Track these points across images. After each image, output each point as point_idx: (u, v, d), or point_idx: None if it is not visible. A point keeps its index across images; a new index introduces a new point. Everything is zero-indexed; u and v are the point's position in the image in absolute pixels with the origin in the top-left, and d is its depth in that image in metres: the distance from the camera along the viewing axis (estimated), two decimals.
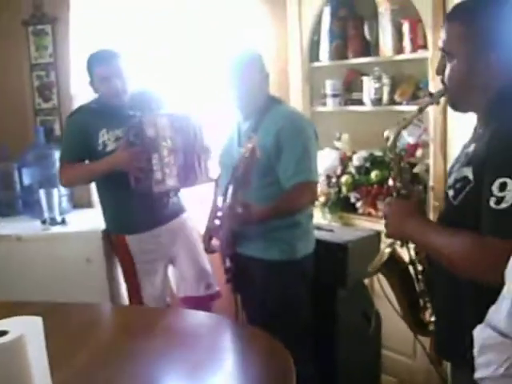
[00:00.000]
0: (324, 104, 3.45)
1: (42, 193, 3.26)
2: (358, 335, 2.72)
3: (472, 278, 1.34)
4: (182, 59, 3.69)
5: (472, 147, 1.45)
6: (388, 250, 1.75)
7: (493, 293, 1.23)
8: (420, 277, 1.72)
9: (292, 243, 2.49)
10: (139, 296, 2.89)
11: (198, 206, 3.13)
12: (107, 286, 3.09)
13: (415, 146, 3.00)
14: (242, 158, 2.22)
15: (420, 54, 2.90)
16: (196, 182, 2.79)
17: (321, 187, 3.18)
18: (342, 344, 2.70)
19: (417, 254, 1.70)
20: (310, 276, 2.56)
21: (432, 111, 2.78)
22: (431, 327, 1.68)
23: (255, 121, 2.48)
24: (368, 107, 3.24)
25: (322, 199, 3.30)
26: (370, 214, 3.19)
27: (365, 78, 3.25)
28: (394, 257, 1.75)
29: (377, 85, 3.16)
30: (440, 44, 1.51)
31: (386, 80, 3.13)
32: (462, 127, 1.58)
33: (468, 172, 1.41)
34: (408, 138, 3.02)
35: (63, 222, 3.29)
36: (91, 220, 3.28)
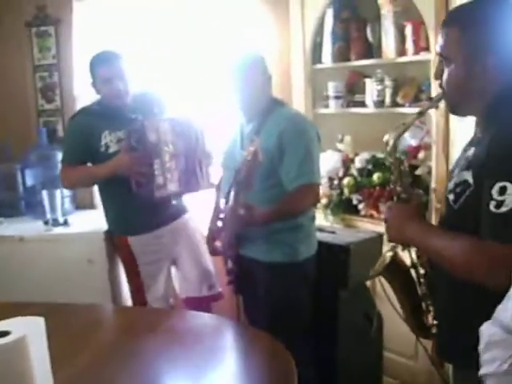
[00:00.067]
0: (326, 106, 3.45)
1: (44, 194, 3.27)
2: (360, 337, 2.71)
3: (473, 281, 1.34)
4: (184, 61, 3.70)
5: (471, 151, 1.46)
6: (390, 254, 1.75)
7: (494, 295, 1.23)
8: (422, 280, 1.72)
9: (294, 246, 2.49)
10: (143, 297, 2.89)
11: (200, 208, 3.13)
12: (109, 286, 3.09)
13: (417, 148, 3.01)
14: (244, 161, 2.22)
15: (422, 56, 2.90)
16: (197, 187, 2.78)
17: (323, 189, 3.18)
18: (343, 345, 2.70)
19: (418, 257, 1.70)
20: (311, 278, 2.56)
21: (434, 113, 2.78)
22: (434, 330, 1.68)
23: (258, 123, 2.48)
24: (370, 109, 3.24)
25: (324, 201, 3.30)
26: (372, 216, 3.19)
27: (367, 80, 3.25)
28: (395, 260, 1.75)
29: (379, 87, 3.16)
30: (437, 49, 1.52)
31: (388, 82, 3.13)
32: (464, 129, 1.58)
33: (468, 176, 1.41)
34: (410, 140, 3.02)
35: (65, 223, 3.29)
36: (93, 221, 3.29)
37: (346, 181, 3.29)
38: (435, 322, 1.66)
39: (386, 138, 1.68)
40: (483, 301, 1.32)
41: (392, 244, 1.69)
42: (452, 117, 2.71)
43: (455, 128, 2.71)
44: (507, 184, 1.27)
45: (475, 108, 1.49)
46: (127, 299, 3.12)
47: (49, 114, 3.82)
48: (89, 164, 2.87)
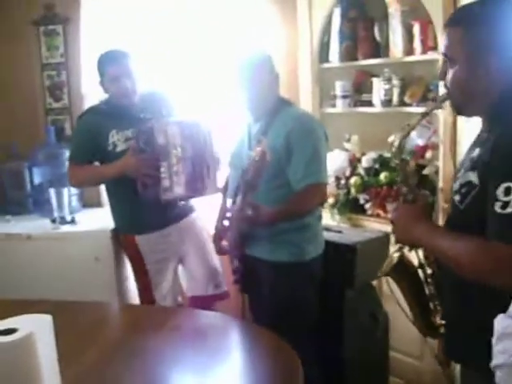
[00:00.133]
0: (334, 105, 3.45)
1: (52, 192, 3.28)
2: (366, 336, 2.72)
3: (479, 282, 1.34)
4: (192, 60, 3.70)
5: (476, 151, 1.45)
6: (397, 254, 1.75)
7: (500, 296, 1.23)
8: (429, 280, 1.72)
9: (301, 246, 2.49)
10: (150, 295, 2.90)
11: (207, 207, 3.13)
12: (115, 284, 3.10)
13: (424, 148, 3.00)
14: (252, 162, 2.22)
15: (430, 55, 2.89)
16: (203, 191, 2.77)
17: (330, 188, 3.17)
18: (349, 345, 2.70)
19: (426, 257, 1.70)
20: (318, 278, 2.56)
21: (441, 113, 2.78)
22: (442, 330, 1.68)
23: (265, 123, 2.48)
24: (378, 108, 3.23)
25: (330, 200, 3.30)
26: (378, 216, 3.18)
27: (375, 80, 3.24)
28: (403, 261, 1.75)
29: (387, 86, 3.16)
30: (441, 49, 1.51)
31: (395, 81, 3.12)
32: (472, 129, 1.58)
33: (473, 177, 1.41)
34: (417, 139, 3.02)
35: (73, 221, 3.30)
36: (100, 219, 3.30)
37: (352, 180, 3.29)
38: (443, 322, 1.66)
39: (391, 138, 1.68)
40: (489, 301, 1.33)
41: (399, 245, 1.70)
42: (459, 116, 2.70)
43: (462, 128, 2.70)
44: None
45: (479, 108, 1.49)
46: (134, 297, 3.13)
47: (57, 113, 3.83)
48: (96, 163, 2.88)
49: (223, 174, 2.80)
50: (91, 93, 3.60)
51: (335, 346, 2.70)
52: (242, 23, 3.59)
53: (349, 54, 3.34)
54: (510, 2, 1.43)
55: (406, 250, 1.72)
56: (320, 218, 2.61)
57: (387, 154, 3.17)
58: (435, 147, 2.96)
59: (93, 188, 3.53)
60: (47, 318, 1.53)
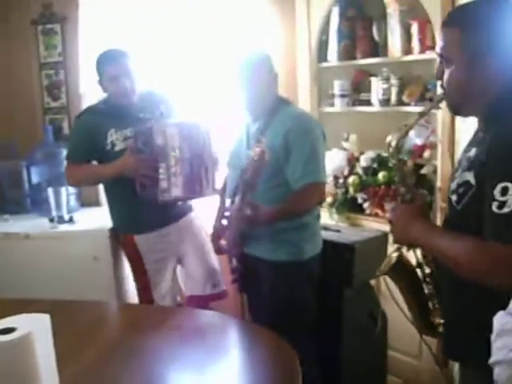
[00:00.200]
0: (332, 104, 3.45)
1: (50, 191, 3.28)
2: (364, 335, 2.72)
3: (476, 282, 1.34)
4: (190, 60, 3.70)
5: (473, 151, 1.46)
6: (395, 254, 1.76)
7: (497, 295, 1.23)
8: (428, 279, 1.72)
9: (300, 245, 2.49)
10: (149, 295, 2.90)
11: (206, 206, 3.13)
12: (114, 284, 3.11)
13: (423, 147, 3.00)
14: (251, 161, 2.21)
15: (428, 54, 2.89)
16: (201, 193, 2.76)
17: (328, 188, 3.17)
18: (347, 344, 2.70)
19: (424, 257, 1.70)
20: (316, 277, 2.56)
21: (440, 112, 2.78)
22: (441, 329, 1.68)
23: (264, 122, 2.48)
24: (376, 108, 3.24)
25: (329, 200, 3.30)
26: (377, 215, 3.19)
27: (373, 79, 3.24)
28: (401, 260, 1.75)
29: (385, 85, 3.16)
30: (437, 49, 1.51)
31: (394, 81, 3.13)
32: (470, 129, 1.58)
33: (470, 177, 1.41)
34: (415, 139, 3.02)
35: (71, 220, 3.30)
36: (99, 218, 3.30)
37: (351, 179, 3.29)
38: (442, 321, 1.66)
39: (388, 139, 1.68)
40: (487, 300, 1.33)
41: (397, 244, 1.70)
42: (457, 116, 2.71)
43: (460, 127, 2.70)
44: (509, 184, 1.27)
45: (476, 109, 1.49)
46: (132, 296, 3.13)
47: (55, 112, 3.83)
48: (94, 162, 2.88)
49: (222, 174, 2.80)
50: (89, 92, 3.61)
51: (333, 345, 2.70)
52: (240, 23, 3.59)
53: (347, 54, 3.34)
54: (507, 3, 1.43)
55: (404, 249, 1.72)
56: (318, 217, 2.62)
57: (385, 154, 3.17)
58: (433, 146, 2.96)
59: (91, 187, 3.53)
60: (45, 318, 1.53)
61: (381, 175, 3.15)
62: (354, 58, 3.33)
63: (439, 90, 1.55)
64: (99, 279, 3.06)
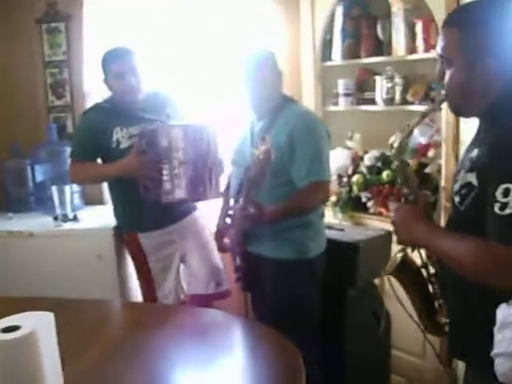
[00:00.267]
0: (336, 103, 3.45)
1: (54, 189, 3.28)
2: (368, 335, 2.71)
3: (480, 283, 1.34)
4: (195, 59, 3.70)
5: (475, 152, 1.45)
6: (400, 254, 1.76)
7: (500, 296, 1.23)
8: (433, 279, 1.72)
9: (304, 243, 2.49)
10: (153, 293, 2.90)
11: (209, 205, 3.13)
12: (117, 282, 3.11)
13: (427, 146, 3.00)
14: (256, 160, 2.21)
15: (433, 53, 2.88)
16: (204, 196, 2.75)
17: (332, 186, 3.17)
18: (351, 344, 2.70)
19: (428, 257, 1.71)
20: (319, 276, 2.56)
21: (444, 112, 2.77)
22: (447, 328, 1.68)
23: (269, 120, 2.48)
24: (380, 107, 3.23)
25: (333, 198, 3.30)
26: (380, 214, 3.19)
27: (377, 78, 3.24)
28: (406, 261, 1.75)
29: (389, 84, 3.16)
30: (438, 50, 1.51)
31: (398, 80, 3.12)
32: (474, 128, 1.57)
33: (472, 178, 1.41)
34: (420, 137, 3.02)
35: (75, 218, 3.30)
36: (103, 217, 3.30)
37: (355, 178, 3.29)
38: (448, 321, 1.66)
39: (391, 140, 1.68)
40: (489, 301, 1.33)
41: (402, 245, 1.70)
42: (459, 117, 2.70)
43: (465, 126, 2.70)
44: (511, 186, 1.27)
45: (477, 109, 1.49)
46: (136, 295, 3.14)
47: (59, 111, 3.83)
48: (98, 160, 2.88)
49: (226, 173, 2.79)
50: (93, 90, 3.61)
51: (337, 344, 2.70)
52: (245, 22, 3.59)
53: (351, 52, 3.34)
54: (507, 4, 1.43)
55: (409, 250, 1.72)
56: (322, 215, 2.62)
57: (389, 153, 3.17)
58: (437, 145, 2.96)
59: (95, 186, 3.54)
60: (49, 316, 1.53)
61: (385, 174, 3.15)
62: (359, 57, 3.33)
63: (442, 90, 1.55)
64: (103, 278, 3.06)
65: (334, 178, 3.27)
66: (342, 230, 2.85)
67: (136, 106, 2.80)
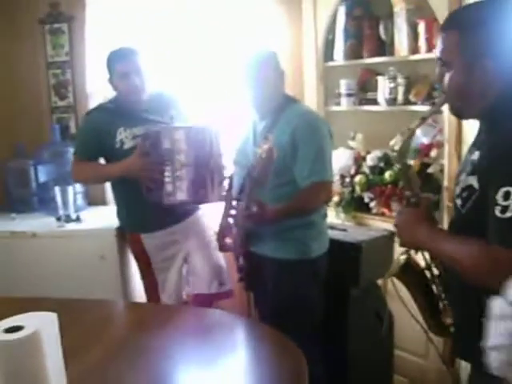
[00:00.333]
0: (338, 103, 3.44)
1: (57, 190, 3.28)
2: (371, 335, 2.71)
3: (480, 284, 1.35)
4: (197, 59, 3.70)
5: (476, 155, 1.46)
6: (403, 256, 1.76)
7: None
8: (437, 281, 1.72)
9: (307, 243, 2.49)
10: (156, 293, 2.90)
11: (212, 205, 3.13)
12: (120, 282, 3.11)
13: (429, 146, 3.00)
14: (258, 159, 2.21)
15: (435, 53, 2.88)
16: (206, 199, 2.75)
17: (334, 187, 3.17)
18: (354, 344, 2.70)
19: (432, 258, 1.71)
20: (322, 276, 2.56)
21: (446, 112, 2.77)
22: (451, 329, 1.69)
23: (271, 120, 2.48)
24: (382, 107, 3.23)
25: (335, 199, 3.30)
26: (383, 214, 3.18)
27: (379, 78, 3.24)
28: (409, 262, 1.76)
29: (392, 84, 3.15)
30: (437, 53, 1.51)
31: (400, 80, 3.12)
32: (477, 128, 1.58)
33: (473, 181, 1.42)
34: (422, 137, 3.01)
35: (78, 219, 3.31)
36: (105, 217, 3.31)
37: (357, 179, 3.28)
38: (452, 322, 1.67)
39: (392, 142, 1.69)
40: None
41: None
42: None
43: (468, 127, 2.69)
44: (511, 189, 1.28)
45: (477, 111, 1.50)
46: (139, 295, 3.14)
47: (62, 111, 3.83)
48: (101, 160, 2.89)
49: (228, 174, 2.79)
50: (96, 91, 3.61)
51: (340, 344, 2.70)
52: (247, 22, 3.59)
53: (353, 53, 3.33)
54: (506, 5, 1.43)
55: (412, 251, 1.72)
56: (325, 216, 2.62)
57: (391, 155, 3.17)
58: (440, 146, 2.95)
59: (98, 186, 3.55)
60: (52, 316, 1.54)
61: (387, 174, 3.15)
62: (361, 57, 3.32)
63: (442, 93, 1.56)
64: (106, 278, 3.07)
65: (336, 178, 3.26)
66: (344, 230, 2.86)
67: (140, 107, 2.81)
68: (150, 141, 2.66)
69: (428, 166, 2.98)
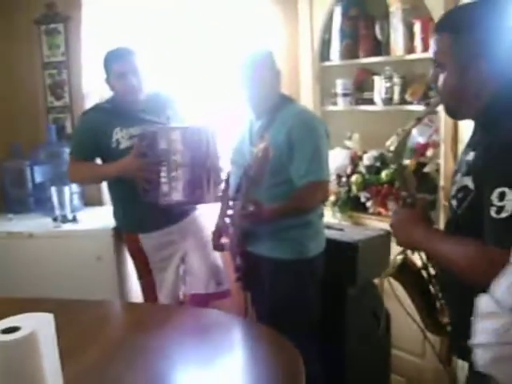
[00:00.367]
0: (335, 103, 3.45)
1: (53, 190, 3.28)
2: (368, 334, 2.71)
3: (476, 285, 1.35)
4: (193, 59, 3.70)
5: (471, 155, 1.47)
6: (400, 256, 1.76)
7: None
8: (434, 280, 1.73)
9: (303, 243, 2.49)
10: (153, 293, 2.90)
11: (209, 205, 3.13)
12: (117, 283, 3.11)
13: (425, 146, 3.00)
14: (254, 158, 2.21)
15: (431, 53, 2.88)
16: (202, 199, 2.74)
17: (331, 186, 3.17)
18: (351, 343, 2.71)
19: (429, 258, 1.71)
20: (319, 276, 2.56)
21: (443, 112, 2.77)
22: (449, 328, 1.69)
23: (267, 120, 2.48)
24: (379, 107, 3.23)
25: (332, 198, 3.30)
26: (380, 214, 3.19)
27: (376, 78, 3.24)
28: (406, 262, 1.76)
29: (388, 84, 3.16)
30: (431, 54, 1.52)
31: (396, 79, 3.12)
32: (472, 128, 1.59)
33: (468, 181, 1.43)
34: (418, 137, 3.02)
35: (74, 219, 3.31)
36: (102, 218, 3.30)
37: (354, 178, 3.29)
38: (449, 321, 1.67)
39: (388, 143, 1.69)
40: None
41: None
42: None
43: (464, 126, 2.70)
44: (506, 189, 1.29)
45: (471, 112, 1.51)
46: (135, 295, 3.14)
47: (58, 111, 3.83)
48: (98, 160, 2.88)
49: (225, 173, 2.79)
50: (92, 91, 3.61)
51: (337, 344, 2.70)
52: (243, 22, 3.59)
53: (349, 52, 3.34)
54: (499, 6, 1.43)
55: (408, 251, 1.72)
56: (322, 215, 2.62)
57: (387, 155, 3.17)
58: (436, 145, 2.96)
59: (94, 186, 3.55)
60: (49, 317, 1.53)
61: (384, 174, 3.15)
62: (357, 57, 3.33)
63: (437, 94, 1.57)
64: (102, 278, 3.06)
65: (332, 177, 3.27)
66: (341, 229, 2.86)
67: (137, 107, 2.81)
68: (147, 141, 2.66)
69: (424, 165, 2.99)
